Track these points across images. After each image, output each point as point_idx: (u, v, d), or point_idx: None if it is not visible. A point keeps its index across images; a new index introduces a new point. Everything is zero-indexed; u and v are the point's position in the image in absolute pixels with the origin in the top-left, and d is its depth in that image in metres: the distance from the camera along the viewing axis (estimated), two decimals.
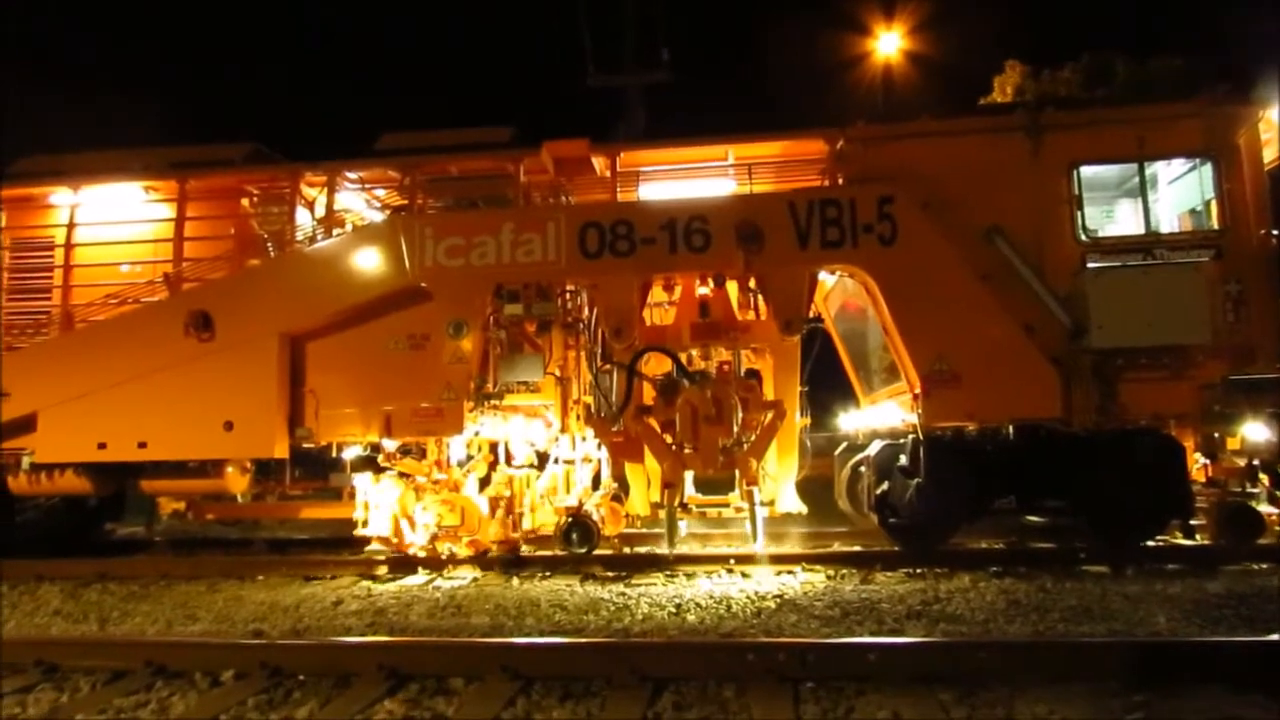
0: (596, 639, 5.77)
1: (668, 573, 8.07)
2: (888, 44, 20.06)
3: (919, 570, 7.85)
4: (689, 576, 7.93)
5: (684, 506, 8.56)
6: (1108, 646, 4.86)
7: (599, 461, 9.82)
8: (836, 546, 9.29)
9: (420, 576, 8.41)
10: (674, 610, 6.59)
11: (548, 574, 8.24)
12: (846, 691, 4.38)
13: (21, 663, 5.21)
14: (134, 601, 7.57)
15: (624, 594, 7.26)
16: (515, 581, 7.96)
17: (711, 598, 6.99)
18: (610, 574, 8.15)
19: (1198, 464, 8.64)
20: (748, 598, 6.93)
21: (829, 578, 7.68)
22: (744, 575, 7.89)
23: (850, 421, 11.23)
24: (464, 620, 6.49)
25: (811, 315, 9.24)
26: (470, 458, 9.40)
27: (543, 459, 9.78)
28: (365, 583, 8.20)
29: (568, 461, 9.60)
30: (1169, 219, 9.20)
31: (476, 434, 9.15)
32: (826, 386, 10.96)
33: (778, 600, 6.81)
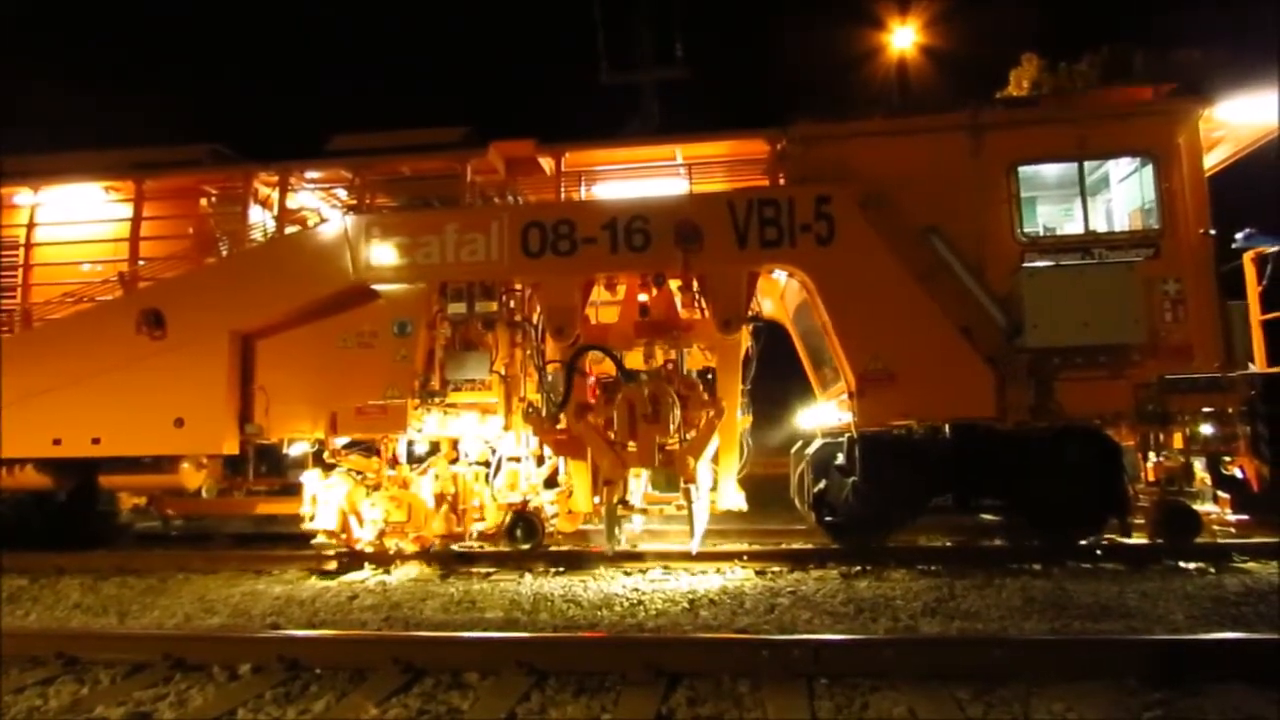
0: (610, 634, 5.79)
1: (674, 569, 8.10)
2: (902, 38, 19.94)
3: (934, 566, 7.83)
4: (703, 574, 7.95)
5: (624, 503, 8.49)
6: (1126, 644, 4.83)
7: (557, 460, 9.77)
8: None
9: (438, 571, 8.46)
10: (687, 606, 6.60)
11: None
12: (861, 688, 4.37)
13: (43, 655, 5.27)
14: (152, 595, 7.65)
15: (638, 589, 7.27)
16: (529, 577, 7.99)
17: (725, 593, 6.99)
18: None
19: (1151, 462, 8.60)
20: (759, 594, 6.93)
21: (842, 575, 7.66)
22: (756, 573, 7.89)
23: (807, 419, 11.24)
24: (478, 615, 6.52)
25: (753, 313, 9.21)
26: (428, 454, 9.47)
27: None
28: (382, 576, 8.27)
29: (513, 459, 9.61)
30: (1121, 217, 9.15)
31: (419, 431, 9.19)
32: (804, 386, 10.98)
33: (791, 596, 6.80)
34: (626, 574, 7.97)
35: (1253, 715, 3.93)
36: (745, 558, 8.35)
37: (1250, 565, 7.54)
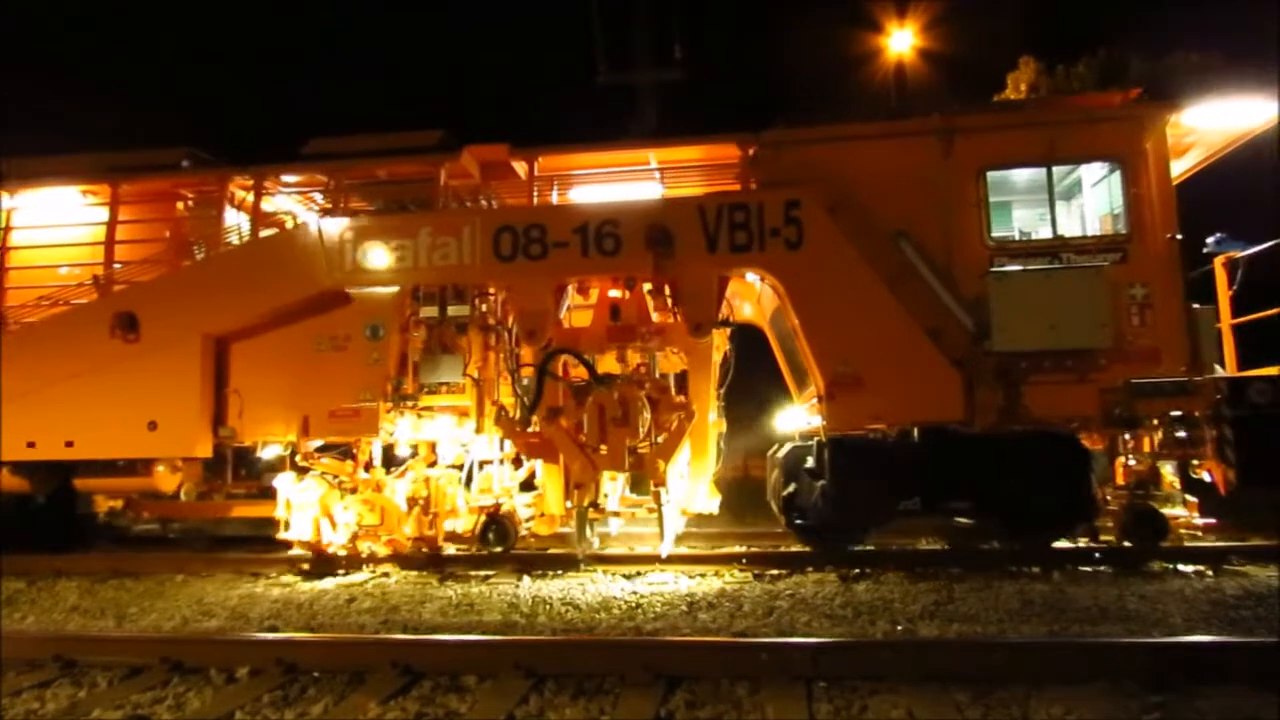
0: (609, 637, 5.78)
1: (678, 571, 8.09)
2: (900, 41, 19.96)
3: (932, 569, 7.82)
4: (702, 577, 7.94)
5: (595, 506, 8.48)
6: (1125, 647, 4.83)
7: (535, 463, 9.72)
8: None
9: (438, 573, 8.44)
10: (686, 609, 6.60)
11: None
12: (860, 690, 4.36)
13: (40, 658, 5.26)
14: (150, 598, 7.63)
15: (636, 592, 7.27)
16: (527, 580, 7.98)
17: (724, 596, 6.99)
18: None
19: (1120, 465, 8.64)
20: (758, 597, 6.93)
21: (841, 577, 7.65)
22: (755, 575, 7.88)
23: (785, 422, 11.26)
24: (476, 618, 6.51)
25: (724, 317, 9.22)
26: (411, 458, 9.47)
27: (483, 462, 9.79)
28: (379, 578, 8.26)
29: (485, 462, 9.62)
30: (1094, 222, 9.18)
31: (391, 434, 9.19)
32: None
33: (790, 599, 6.80)
34: (626, 577, 7.96)
35: (1252, 717, 3.93)
36: (744, 560, 8.35)
37: (1248, 568, 7.54)
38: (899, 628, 5.87)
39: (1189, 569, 7.55)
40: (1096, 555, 7.98)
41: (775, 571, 7.97)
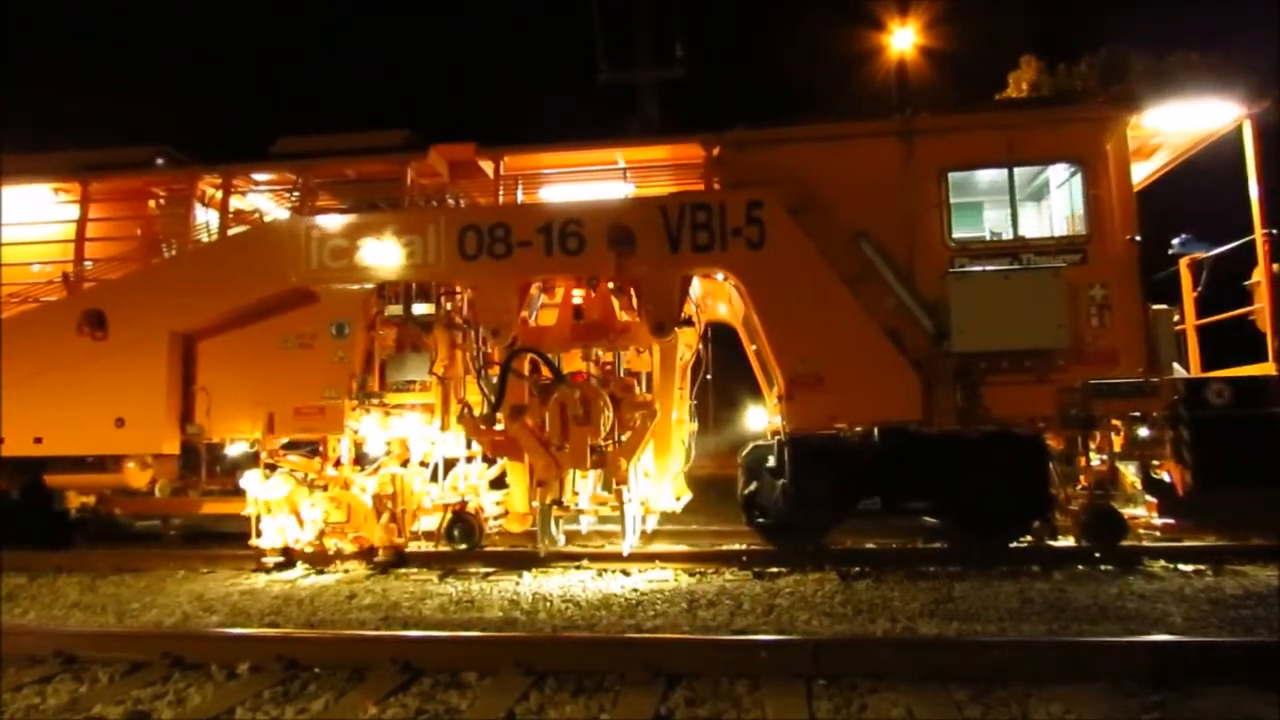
0: (609, 634, 5.79)
1: (678, 569, 8.11)
2: (902, 39, 19.93)
3: (932, 567, 7.83)
4: (702, 575, 7.95)
5: (559, 504, 8.48)
6: (1124, 646, 4.83)
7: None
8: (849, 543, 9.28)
9: (435, 571, 8.46)
10: (686, 607, 6.60)
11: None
12: (860, 688, 4.37)
13: (41, 653, 5.27)
14: (151, 594, 7.64)
15: (636, 589, 7.28)
16: (528, 576, 7.99)
17: (724, 594, 6.99)
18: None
19: (1086, 464, 8.63)
20: (758, 595, 6.93)
21: (841, 576, 7.66)
22: (755, 574, 7.89)
23: (758, 422, 11.27)
24: (477, 615, 6.52)
25: (686, 316, 9.22)
26: (382, 456, 9.48)
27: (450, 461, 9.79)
28: (378, 575, 8.26)
29: (450, 460, 9.62)
30: (1060, 222, 9.19)
31: (356, 432, 9.21)
32: None
33: (790, 597, 6.81)
34: (625, 574, 7.98)
35: (1250, 717, 3.93)
36: (744, 559, 8.36)
37: (1248, 568, 7.54)
38: (899, 626, 5.88)
39: (1189, 568, 7.56)
40: (1096, 555, 7.99)
41: (775, 569, 7.96)
